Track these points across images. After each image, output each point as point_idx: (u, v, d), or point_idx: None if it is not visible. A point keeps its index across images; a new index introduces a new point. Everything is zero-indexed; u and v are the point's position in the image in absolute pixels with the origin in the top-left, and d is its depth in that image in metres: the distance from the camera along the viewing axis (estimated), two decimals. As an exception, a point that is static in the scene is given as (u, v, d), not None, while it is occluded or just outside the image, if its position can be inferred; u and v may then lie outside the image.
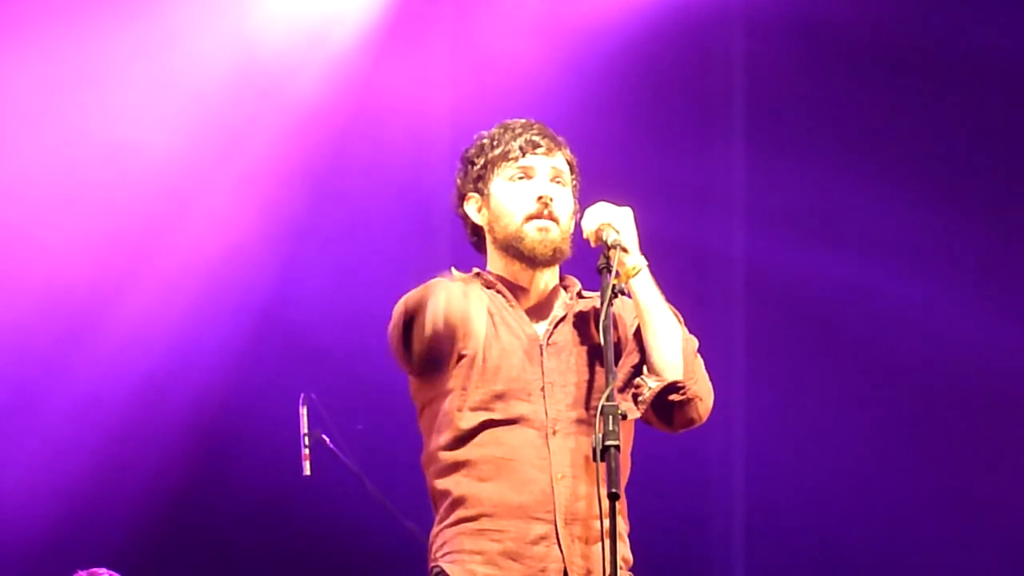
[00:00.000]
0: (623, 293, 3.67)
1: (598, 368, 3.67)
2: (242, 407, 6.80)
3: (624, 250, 3.64)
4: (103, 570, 6.02)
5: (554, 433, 3.66)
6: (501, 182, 3.80)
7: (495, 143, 3.83)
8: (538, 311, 3.80)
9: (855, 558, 6.98)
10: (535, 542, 3.60)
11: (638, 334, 3.70)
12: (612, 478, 3.42)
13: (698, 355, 3.72)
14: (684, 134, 7.18)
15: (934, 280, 6.98)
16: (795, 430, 7.05)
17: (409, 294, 3.67)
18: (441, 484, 3.70)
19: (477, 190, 3.84)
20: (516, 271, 3.80)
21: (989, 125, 7.00)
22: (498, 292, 3.79)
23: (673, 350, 3.68)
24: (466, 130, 4.05)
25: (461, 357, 3.67)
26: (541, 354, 3.72)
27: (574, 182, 3.86)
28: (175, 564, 6.59)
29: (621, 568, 3.61)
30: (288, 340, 6.84)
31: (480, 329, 3.68)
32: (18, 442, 6.68)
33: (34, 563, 6.56)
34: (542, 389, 3.69)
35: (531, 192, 3.76)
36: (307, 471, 6.06)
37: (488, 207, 3.82)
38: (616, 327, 3.72)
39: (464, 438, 3.67)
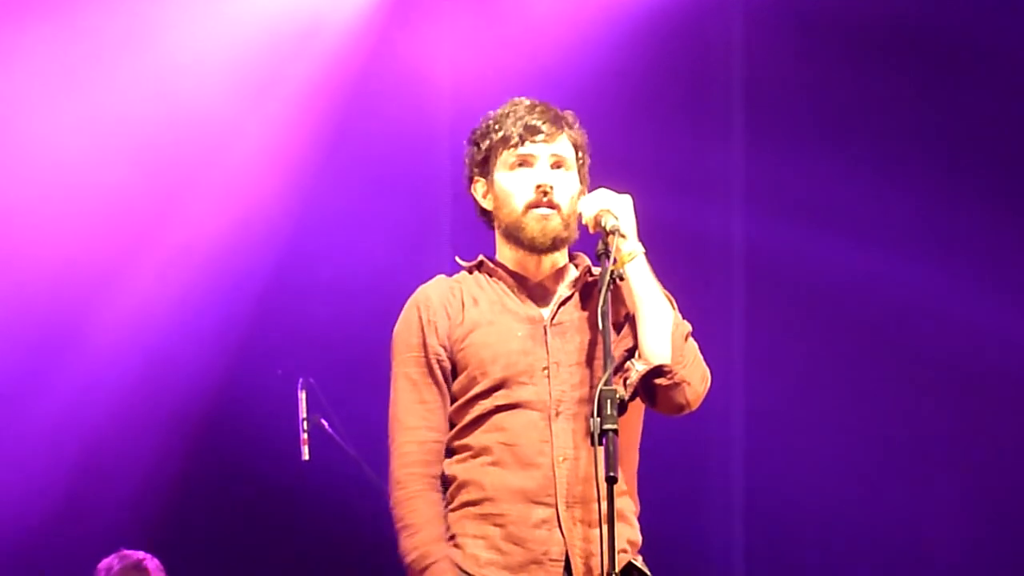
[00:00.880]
0: (621, 279, 3.68)
1: (601, 348, 3.69)
2: (242, 392, 6.85)
3: (622, 236, 3.66)
4: (134, 553, 6.23)
5: (557, 415, 3.68)
6: (502, 169, 3.82)
7: (497, 125, 3.84)
8: (544, 293, 3.82)
9: (854, 543, 7.01)
10: (537, 526, 3.62)
11: (633, 318, 3.73)
12: (610, 462, 3.43)
13: (691, 340, 3.72)
14: (684, 122, 7.20)
15: (932, 264, 7.01)
16: (795, 413, 7.09)
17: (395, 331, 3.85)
18: (447, 469, 3.73)
19: (483, 174, 3.86)
20: (521, 256, 3.82)
21: (983, 111, 7.01)
22: (500, 279, 3.82)
23: (662, 335, 3.69)
24: (467, 118, 4.06)
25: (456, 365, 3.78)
26: (545, 334, 3.74)
27: (580, 162, 3.86)
28: (175, 546, 6.55)
29: (627, 551, 3.66)
30: (287, 325, 6.87)
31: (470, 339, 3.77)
32: (22, 426, 6.72)
33: (39, 546, 6.67)
34: (545, 369, 3.71)
35: (530, 180, 3.77)
36: (305, 456, 6.15)
37: (493, 192, 3.84)
38: (617, 311, 3.74)
39: (469, 425, 3.70)
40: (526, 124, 3.80)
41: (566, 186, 3.77)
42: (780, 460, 7.08)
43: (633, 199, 3.74)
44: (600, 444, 3.47)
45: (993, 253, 7.03)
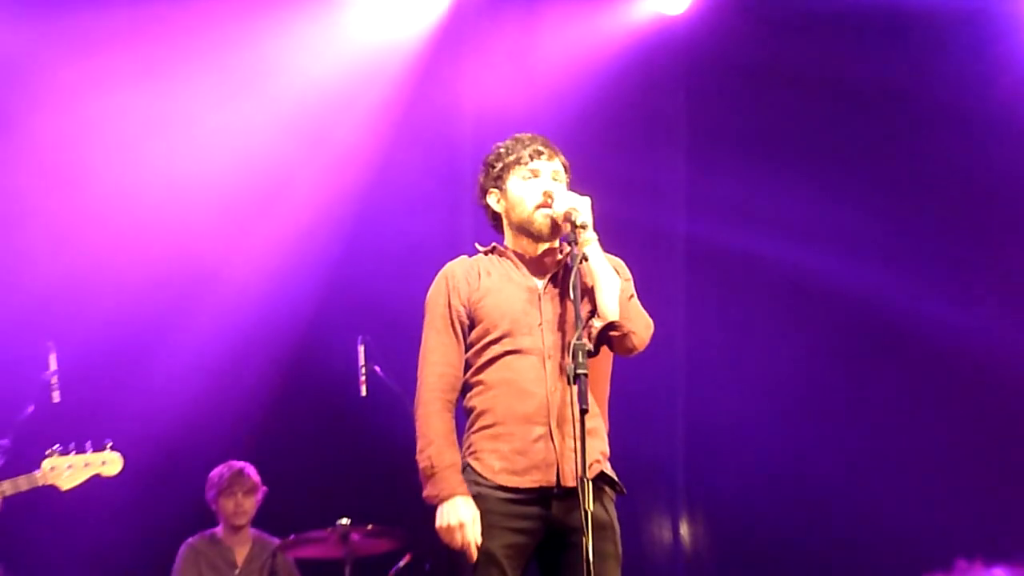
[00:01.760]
0: (585, 259, 3.73)
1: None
2: (319, 345, 6.81)
3: (583, 227, 3.73)
4: (238, 462, 6.35)
5: (549, 358, 3.75)
6: (516, 180, 3.91)
7: (509, 152, 3.94)
8: (540, 270, 3.93)
9: (770, 456, 6.90)
10: (536, 440, 3.70)
11: (593, 288, 3.83)
12: (583, 397, 3.52)
13: (634, 300, 3.80)
14: (639, 144, 7.26)
15: (832, 252, 6.95)
16: (726, 357, 7.15)
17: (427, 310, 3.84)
18: (468, 401, 3.84)
19: (496, 186, 3.96)
20: (525, 244, 3.95)
21: (876, 133, 6.99)
22: (508, 258, 3.93)
23: (612, 299, 3.72)
24: (482, 141, 4.20)
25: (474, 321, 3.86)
26: (539, 300, 3.85)
27: (567, 179, 3.98)
28: (269, 458, 6.51)
29: (599, 461, 3.75)
30: (351, 299, 6.78)
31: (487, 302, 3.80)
32: (159, 370, 6.71)
33: (170, 455, 6.59)
34: (540, 325, 3.80)
35: (538, 188, 3.90)
36: (363, 392, 6.01)
37: (505, 199, 3.94)
38: (584, 283, 3.80)
39: (483, 366, 3.80)
40: (534, 148, 3.94)
41: (561, 194, 3.93)
42: (714, 392, 7.15)
43: (601, 202, 3.83)
44: (574, 384, 3.54)
45: (894, 241, 6.95)
